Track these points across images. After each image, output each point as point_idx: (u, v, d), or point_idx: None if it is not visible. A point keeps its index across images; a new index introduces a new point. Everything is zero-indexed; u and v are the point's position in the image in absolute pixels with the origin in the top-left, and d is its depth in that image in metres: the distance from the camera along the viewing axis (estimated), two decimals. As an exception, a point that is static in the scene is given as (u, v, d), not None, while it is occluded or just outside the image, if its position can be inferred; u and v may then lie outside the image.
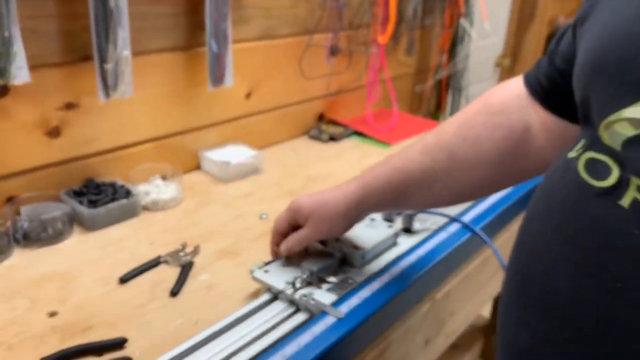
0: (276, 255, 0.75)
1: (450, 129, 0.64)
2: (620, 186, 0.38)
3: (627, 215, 0.37)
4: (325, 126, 1.42)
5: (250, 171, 1.15)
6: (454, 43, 1.72)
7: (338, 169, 1.21)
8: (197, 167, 1.16)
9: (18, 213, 0.85)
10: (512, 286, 0.48)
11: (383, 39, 1.39)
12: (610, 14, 0.42)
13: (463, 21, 1.67)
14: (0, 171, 0.86)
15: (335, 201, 0.67)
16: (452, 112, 1.84)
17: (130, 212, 0.94)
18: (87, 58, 0.90)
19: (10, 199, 0.87)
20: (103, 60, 0.88)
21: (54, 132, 0.91)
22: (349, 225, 0.71)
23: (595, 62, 0.41)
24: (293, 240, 0.70)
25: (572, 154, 0.43)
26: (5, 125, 0.85)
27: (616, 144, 0.38)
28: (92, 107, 0.94)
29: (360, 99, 1.51)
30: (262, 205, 1.02)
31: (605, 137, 0.39)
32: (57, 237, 0.85)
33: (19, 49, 0.78)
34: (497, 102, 0.62)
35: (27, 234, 0.83)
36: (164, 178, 1.04)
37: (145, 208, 0.97)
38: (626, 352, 0.37)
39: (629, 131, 0.37)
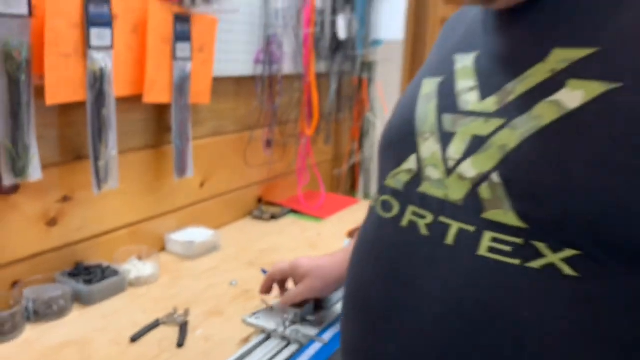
0: (265, 293, 0.94)
1: None
2: (401, 214, 0.56)
3: (407, 231, 0.55)
4: (265, 207, 1.64)
5: (210, 248, 1.33)
6: (363, 133, 2.05)
7: (284, 242, 1.42)
8: (163, 248, 1.32)
9: (21, 294, 0.97)
10: (345, 301, 0.63)
11: (310, 131, 1.67)
12: (396, 109, 0.65)
13: (369, 115, 2.02)
14: (8, 258, 0.98)
15: (331, 266, 0.86)
16: (365, 191, 2.14)
17: (120, 288, 1.08)
18: (79, 157, 1.07)
19: (15, 283, 0.99)
20: (97, 158, 1.06)
21: (52, 222, 1.05)
22: (339, 288, 0.89)
23: (381, 142, 0.64)
24: (291, 296, 0.89)
25: (372, 203, 0.63)
26: (14, 218, 0.98)
27: (399, 186, 0.58)
28: (82, 199, 1.10)
29: (292, 183, 1.76)
30: (227, 275, 1.19)
31: (392, 183, 0.59)
32: (61, 312, 0.97)
33: (34, 153, 0.95)
34: None
35: (35, 311, 0.95)
36: (139, 258, 1.19)
37: (130, 284, 1.11)
38: (416, 329, 0.52)
39: (407, 177, 0.57)
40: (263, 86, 1.53)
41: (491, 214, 0.49)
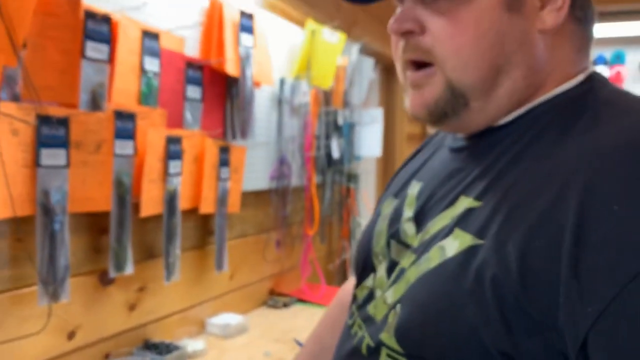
0: None
1: (323, 318, 0.84)
2: (353, 323, 0.63)
3: (350, 339, 0.62)
4: (277, 297, 1.95)
5: (242, 330, 1.62)
6: (351, 233, 2.42)
7: (299, 324, 1.73)
8: (203, 329, 1.61)
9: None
10: None
11: (312, 232, 2.04)
12: (366, 225, 0.73)
13: (356, 218, 2.41)
14: (102, 335, 1.27)
15: None
16: (353, 283, 2.47)
17: None
18: (152, 256, 1.40)
19: (107, 355, 1.27)
20: (168, 256, 1.39)
21: (132, 307, 1.35)
22: None
23: (354, 254, 0.79)
24: None
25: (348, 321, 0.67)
26: (108, 304, 1.28)
27: (360, 299, 0.65)
28: (152, 289, 1.41)
29: (296, 276, 2.09)
30: (261, 349, 1.49)
31: (358, 294, 0.66)
32: (144, 377, 1.25)
33: (129, 253, 1.27)
34: (347, 290, 0.79)
35: (127, 376, 1.23)
36: (190, 336, 1.48)
37: (189, 356, 1.40)
38: None
39: (365, 293, 0.64)
40: (277, 197, 1.92)
41: (384, 336, 0.56)
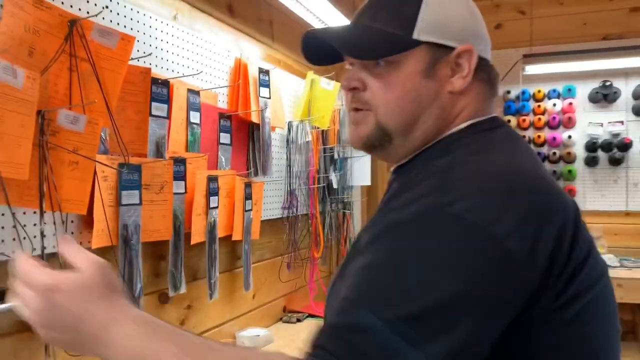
0: None
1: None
2: None
3: None
4: (290, 313, 2.20)
5: (268, 341, 1.86)
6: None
7: (314, 334, 1.97)
8: (233, 342, 1.84)
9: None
10: None
11: (318, 254, 2.30)
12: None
13: (353, 240, 2.68)
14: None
15: None
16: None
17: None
18: (195, 279, 1.64)
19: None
20: (210, 278, 1.63)
21: (182, 323, 1.58)
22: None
23: None
24: None
25: None
26: (165, 319, 1.51)
27: None
28: (196, 307, 1.64)
29: (304, 294, 2.34)
30: (288, 356, 1.73)
31: None
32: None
33: (183, 274, 1.51)
34: None
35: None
36: (227, 348, 1.71)
37: (230, 363, 1.63)
38: None
39: None
40: (288, 224, 2.18)
41: None
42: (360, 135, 0.81)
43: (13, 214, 1.04)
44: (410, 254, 0.63)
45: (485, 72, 0.81)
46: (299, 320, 2.16)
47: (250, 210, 1.87)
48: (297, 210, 2.22)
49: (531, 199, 0.65)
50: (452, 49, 0.78)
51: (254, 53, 1.96)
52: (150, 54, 1.40)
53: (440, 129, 0.79)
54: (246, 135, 1.88)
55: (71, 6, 1.19)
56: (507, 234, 0.62)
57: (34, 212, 1.10)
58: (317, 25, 2.12)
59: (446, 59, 0.78)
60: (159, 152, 1.42)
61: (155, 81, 1.39)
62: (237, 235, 1.79)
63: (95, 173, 1.21)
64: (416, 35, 0.77)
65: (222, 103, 1.76)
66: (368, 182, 2.77)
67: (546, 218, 0.64)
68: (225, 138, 1.75)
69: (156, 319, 0.65)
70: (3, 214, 1.04)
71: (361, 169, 2.72)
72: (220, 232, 1.70)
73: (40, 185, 1.09)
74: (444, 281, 0.60)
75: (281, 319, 2.17)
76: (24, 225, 1.07)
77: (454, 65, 0.78)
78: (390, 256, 0.64)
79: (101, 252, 1.29)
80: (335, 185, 2.45)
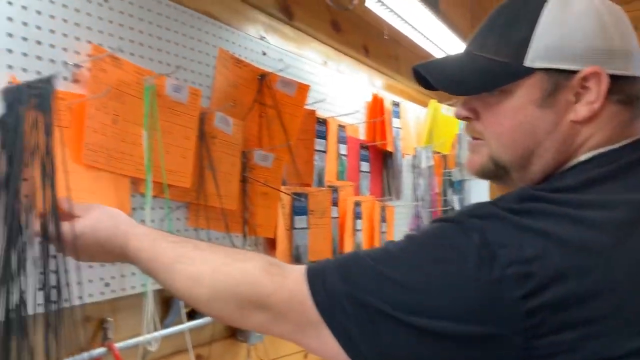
0: None
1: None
2: None
3: None
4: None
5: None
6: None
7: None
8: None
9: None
10: None
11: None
12: None
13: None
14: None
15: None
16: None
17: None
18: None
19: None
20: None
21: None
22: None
23: None
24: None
25: None
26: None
27: None
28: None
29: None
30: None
31: None
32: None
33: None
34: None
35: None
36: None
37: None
38: None
39: None
40: (415, 245, 2.31)
41: None
42: (475, 164, 0.76)
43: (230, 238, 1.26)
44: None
45: (622, 92, 0.68)
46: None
47: (385, 232, 2.02)
48: (422, 231, 2.35)
49: None
50: (574, 72, 0.67)
51: (384, 87, 2.14)
52: (322, 100, 1.61)
53: (561, 163, 0.70)
54: (381, 162, 2.05)
55: (257, 62, 1.42)
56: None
57: (236, 236, 1.31)
58: (436, 52, 2.26)
59: (568, 85, 0.67)
60: (320, 182, 1.61)
61: (317, 120, 1.59)
62: (376, 256, 1.94)
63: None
64: (528, 62, 0.68)
65: (361, 134, 1.94)
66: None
67: None
68: (365, 166, 1.92)
69: (158, 231, 0.80)
70: (222, 237, 1.26)
71: (479, 191, 2.81)
72: (312, 256, 1.83)
73: (243, 213, 1.31)
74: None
75: (411, 335, 2.28)
76: (236, 247, 1.29)
77: (579, 89, 0.67)
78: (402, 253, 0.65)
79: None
80: (457, 208, 2.56)
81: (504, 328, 0.57)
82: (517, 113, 0.70)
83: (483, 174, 0.76)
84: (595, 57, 0.67)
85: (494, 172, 0.74)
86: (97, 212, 0.80)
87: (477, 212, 0.63)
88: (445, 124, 2.41)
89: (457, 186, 2.68)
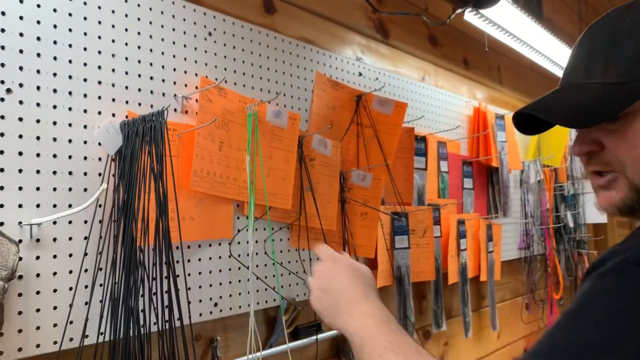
0: None
1: None
2: None
3: None
4: (533, 355, 2.17)
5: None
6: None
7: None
8: (483, 382, 1.89)
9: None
10: None
11: (557, 295, 2.25)
12: None
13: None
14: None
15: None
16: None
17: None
18: (451, 316, 1.74)
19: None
20: (465, 317, 1.72)
21: (441, 359, 1.69)
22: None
23: None
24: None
25: None
26: (429, 354, 1.63)
27: None
28: (452, 344, 1.74)
29: (544, 337, 2.28)
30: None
31: None
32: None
33: (443, 312, 1.63)
34: None
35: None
36: (481, 386, 1.77)
37: (489, 401, 1.68)
38: None
39: None
40: (525, 265, 2.18)
41: None
42: (613, 201, 0.68)
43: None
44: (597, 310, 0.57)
45: None
46: None
47: (492, 251, 1.93)
48: (533, 250, 2.22)
49: None
50: None
51: (486, 99, 2.06)
52: (421, 117, 1.59)
53: None
54: (485, 178, 1.97)
55: (354, 83, 1.43)
56: None
57: (337, 257, 1.31)
58: (541, 61, 2.14)
59: None
60: (420, 200, 1.58)
61: (416, 137, 1.56)
62: (483, 276, 1.86)
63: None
64: None
65: (463, 150, 1.88)
66: (604, 220, 2.62)
67: None
68: (468, 183, 1.86)
69: (389, 313, 0.74)
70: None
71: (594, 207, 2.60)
72: (417, 276, 1.78)
73: (343, 233, 1.31)
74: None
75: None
76: (337, 268, 1.29)
77: None
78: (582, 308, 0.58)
79: (384, 291, 1.47)
80: (571, 224, 2.39)
81: None
82: None
83: (624, 208, 0.68)
84: None
85: (637, 202, 0.66)
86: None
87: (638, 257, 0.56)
88: (554, 135, 2.27)
89: (569, 201, 2.50)
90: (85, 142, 0.86)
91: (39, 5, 0.83)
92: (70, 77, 0.86)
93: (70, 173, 0.84)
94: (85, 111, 0.87)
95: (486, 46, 1.88)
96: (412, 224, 1.53)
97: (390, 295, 1.49)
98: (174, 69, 1.01)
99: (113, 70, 0.91)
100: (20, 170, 0.79)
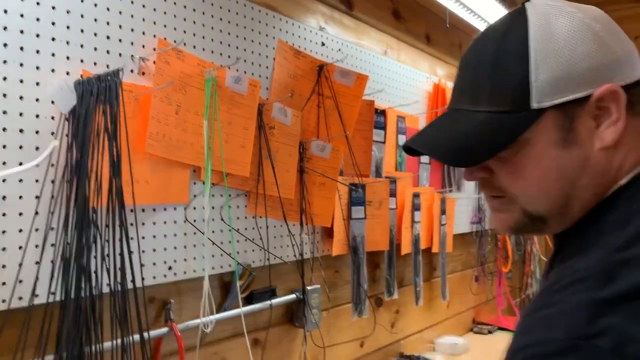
0: None
1: None
2: None
3: None
4: (480, 325, 2.27)
5: (465, 350, 1.96)
6: (533, 271, 2.68)
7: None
8: (432, 348, 1.97)
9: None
10: None
11: (505, 269, 2.35)
12: None
13: (537, 257, 2.67)
14: (378, 346, 1.67)
15: None
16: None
17: (432, 368, 1.73)
18: (402, 285, 1.80)
19: (383, 361, 1.67)
20: (416, 286, 1.78)
21: (392, 325, 1.75)
22: None
23: None
24: None
25: None
26: (380, 321, 1.69)
27: None
28: (404, 312, 1.80)
29: (492, 307, 2.39)
30: (487, 365, 1.81)
31: None
32: (412, 378, 1.63)
33: (395, 281, 1.68)
34: None
35: (401, 376, 1.61)
36: (426, 352, 1.85)
37: (436, 366, 1.76)
38: None
39: None
40: (476, 238, 2.26)
41: None
42: (507, 222, 0.66)
43: (287, 225, 1.29)
44: None
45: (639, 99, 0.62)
46: (490, 332, 2.22)
47: (445, 224, 1.99)
48: (484, 225, 2.30)
49: None
50: (586, 97, 0.59)
51: (446, 76, 2.09)
52: (381, 91, 1.61)
53: (603, 190, 0.62)
54: (442, 154, 2.01)
55: (316, 53, 1.43)
56: None
57: (294, 225, 1.34)
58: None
59: (584, 112, 0.60)
60: (378, 173, 1.61)
61: (376, 111, 1.58)
62: (435, 248, 1.92)
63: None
64: (535, 103, 0.59)
65: (422, 125, 1.91)
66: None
67: None
68: (425, 158, 1.90)
69: None
70: (280, 226, 1.29)
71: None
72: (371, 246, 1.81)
73: (301, 202, 1.33)
74: None
75: (472, 329, 2.25)
76: (293, 235, 1.31)
77: (597, 112, 0.60)
78: None
79: (339, 259, 1.51)
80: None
81: None
82: (540, 161, 0.60)
83: (518, 230, 0.67)
84: (602, 74, 0.59)
85: (531, 226, 0.65)
86: None
87: (580, 329, 0.49)
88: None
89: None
90: (37, 100, 0.84)
91: (-12, -46, 0.79)
92: (22, 31, 0.83)
93: (21, 131, 0.82)
94: (37, 68, 0.85)
95: (447, 22, 1.90)
96: (369, 195, 1.56)
97: (345, 263, 1.53)
98: (132, 29, 0.98)
99: (68, 27, 0.89)
100: (-33, 126, 0.77)
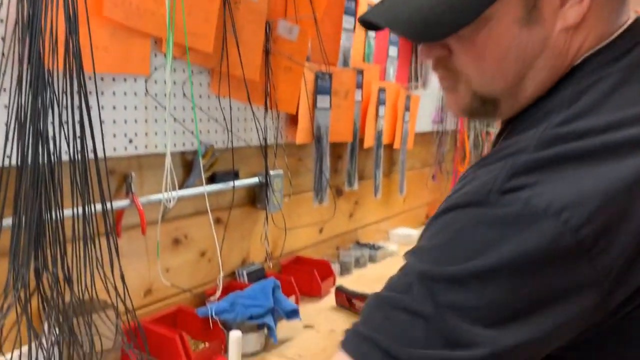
0: None
1: None
2: None
3: None
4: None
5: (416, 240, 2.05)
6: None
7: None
8: (387, 238, 2.06)
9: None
10: None
11: (462, 168, 2.42)
12: None
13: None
14: (333, 233, 1.74)
15: None
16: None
17: (387, 255, 1.82)
18: (363, 178, 1.84)
19: (337, 248, 1.74)
20: (376, 179, 1.82)
21: (350, 215, 1.81)
22: None
23: None
24: None
25: None
26: (339, 210, 1.74)
27: None
28: (363, 203, 1.86)
29: (445, 205, 2.49)
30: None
31: None
32: (363, 264, 1.72)
33: (356, 173, 1.71)
34: None
35: (344, 263, 1.70)
36: (381, 242, 1.93)
37: (388, 254, 1.85)
38: None
39: None
40: (437, 138, 2.30)
41: None
42: (457, 105, 0.65)
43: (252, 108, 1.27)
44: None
45: None
46: (441, 227, 2.32)
47: (408, 121, 2.01)
48: (445, 125, 2.33)
49: None
50: None
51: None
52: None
53: (559, 72, 0.60)
54: (410, 48, 1.98)
55: None
56: None
57: (258, 109, 1.32)
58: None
59: None
60: (345, 62, 1.58)
61: (347, -4, 1.52)
62: (397, 144, 1.95)
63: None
64: None
65: (393, 18, 1.86)
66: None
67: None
68: (393, 51, 1.87)
69: None
70: (244, 108, 1.27)
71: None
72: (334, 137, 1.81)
73: (266, 85, 1.30)
74: None
75: (424, 223, 2.35)
76: (257, 119, 1.30)
77: None
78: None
79: (302, 148, 1.52)
80: (483, 103, 2.51)
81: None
82: (501, 39, 0.58)
83: (470, 113, 0.65)
84: None
85: (482, 109, 0.63)
86: None
87: (503, 185, 0.52)
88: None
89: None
90: (-21, -54, 0.76)
91: None
92: None
93: (-37, -20, 0.75)
94: None
95: None
96: (335, 85, 1.54)
97: (309, 152, 1.54)
98: None
99: None
100: None
